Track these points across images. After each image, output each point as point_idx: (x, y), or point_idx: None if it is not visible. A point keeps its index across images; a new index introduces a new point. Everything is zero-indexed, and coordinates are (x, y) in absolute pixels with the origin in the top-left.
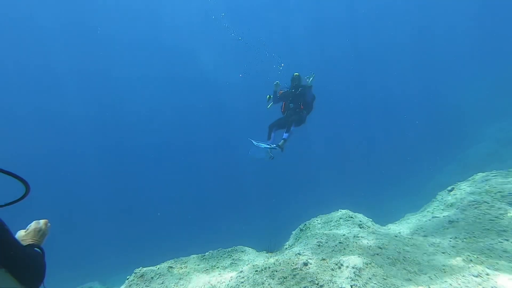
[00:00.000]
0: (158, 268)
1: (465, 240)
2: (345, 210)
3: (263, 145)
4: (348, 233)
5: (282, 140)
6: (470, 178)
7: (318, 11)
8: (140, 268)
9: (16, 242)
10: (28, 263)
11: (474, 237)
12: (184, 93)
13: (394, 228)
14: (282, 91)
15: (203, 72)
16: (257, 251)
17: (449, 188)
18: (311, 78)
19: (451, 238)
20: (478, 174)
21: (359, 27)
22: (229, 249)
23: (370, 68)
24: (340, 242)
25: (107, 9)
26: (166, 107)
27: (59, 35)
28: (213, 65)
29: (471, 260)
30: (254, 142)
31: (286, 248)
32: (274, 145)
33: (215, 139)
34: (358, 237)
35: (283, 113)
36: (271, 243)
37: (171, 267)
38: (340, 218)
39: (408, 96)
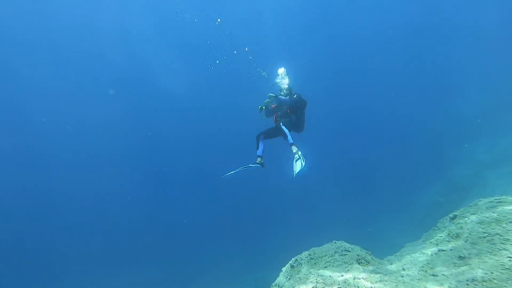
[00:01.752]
0: None
1: (484, 283)
2: (340, 242)
3: (238, 170)
4: (346, 273)
5: (292, 147)
6: (472, 204)
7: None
8: None
9: None
10: None
11: (495, 279)
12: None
13: (396, 262)
14: (274, 105)
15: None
16: None
17: (451, 215)
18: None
19: (468, 281)
20: (481, 200)
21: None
22: None
23: (352, 83)
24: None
25: None
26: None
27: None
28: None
29: None
30: (228, 174)
31: None
32: (251, 165)
33: (198, 152)
34: (359, 279)
35: (275, 123)
36: (258, 281)
37: None
38: (335, 252)
39: (393, 114)
